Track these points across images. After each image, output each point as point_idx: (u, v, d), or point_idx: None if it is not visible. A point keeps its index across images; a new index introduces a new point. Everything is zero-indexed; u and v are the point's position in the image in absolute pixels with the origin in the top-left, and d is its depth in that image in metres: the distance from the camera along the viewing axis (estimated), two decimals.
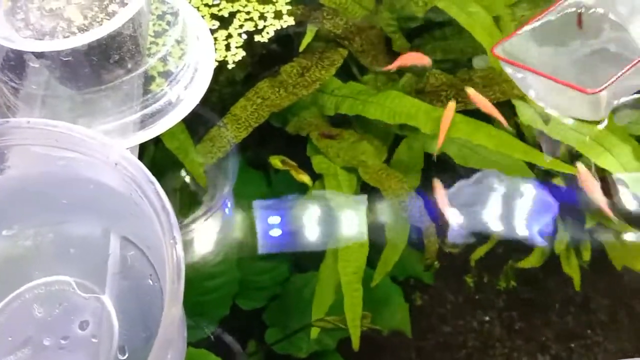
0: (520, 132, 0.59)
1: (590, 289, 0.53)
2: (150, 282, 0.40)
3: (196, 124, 0.57)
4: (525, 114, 0.59)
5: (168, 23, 0.50)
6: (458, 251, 0.56)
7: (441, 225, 0.55)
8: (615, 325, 0.52)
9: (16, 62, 0.42)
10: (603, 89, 0.52)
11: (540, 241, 0.56)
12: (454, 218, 0.56)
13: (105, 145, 0.35)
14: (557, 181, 0.57)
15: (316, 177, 0.58)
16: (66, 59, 0.41)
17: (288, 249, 0.56)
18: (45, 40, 0.43)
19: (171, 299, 0.30)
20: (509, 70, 0.58)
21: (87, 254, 0.41)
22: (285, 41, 0.65)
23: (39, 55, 0.41)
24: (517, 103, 0.59)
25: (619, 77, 0.52)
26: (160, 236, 0.33)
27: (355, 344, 0.50)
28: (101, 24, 0.44)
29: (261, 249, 0.55)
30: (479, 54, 0.64)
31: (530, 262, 0.55)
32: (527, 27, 0.59)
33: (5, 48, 0.42)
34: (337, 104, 0.61)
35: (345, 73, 0.64)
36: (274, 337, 0.52)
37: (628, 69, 0.53)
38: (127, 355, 0.39)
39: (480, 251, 0.55)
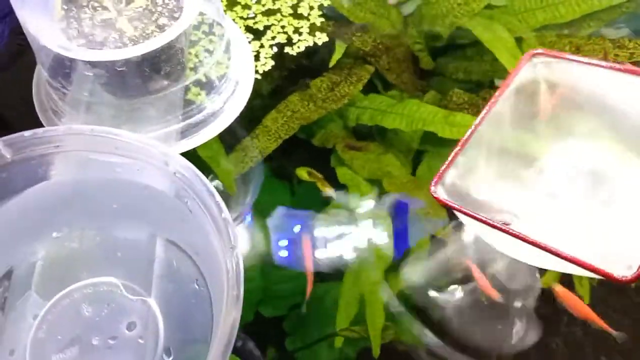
0: None
1: (600, 305, 0.55)
2: (197, 286, 0.42)
3: (228, 134, 0.59)
4: None
5: (212, 36, 0.52)
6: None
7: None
8: (628, 346, 0.54)
9: (70, 70, 0.44)
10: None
11: None
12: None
13: (165, 155, 0.37)
14: None
15: (339, 187, 0.61)
16: (120, 68, 0.43)
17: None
18: (97, 49, 0.45)
19: (231, 304, 0.32)
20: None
21: (134, 257, 0.43)
22: (314, 56, 0.67)
23: (95, 64, 0.43)
24: None
25: None
26: (216, 243, 0.35)
27: (376, 352, 0.52)
28: (151, 37, 0.46)
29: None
30: (499, 77, 0.66)
31: (546, 282, 0.57)
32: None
33: (59, 56, 0.44)
34: (358, 115, 0.64)
35: (371, 89, 0.66)
36: (293, 345, 0.54)
37: None
38: (172, 357, 0.40)
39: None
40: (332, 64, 0.65)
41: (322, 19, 0.68)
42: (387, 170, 0.61)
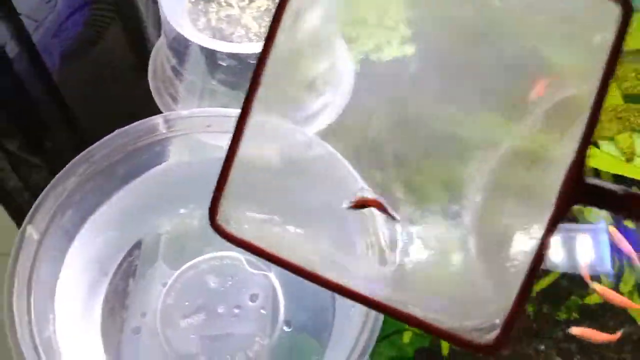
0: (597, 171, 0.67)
1: None
2: None
3: None
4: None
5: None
6: None
7: None
8: None
9: (201, 59, 0.49)
10: None
11: (606, 279, 0.62)
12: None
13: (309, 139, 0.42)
14: (629, 224, 0.64)
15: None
16: (252, 61, 0.48)
17: None
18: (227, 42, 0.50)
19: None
20: None
21: None
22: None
23: (231, 56, 0.48)
24: (603, 143, 0.67)
25: None
26: None
27: (445, 349, 0.57)
28: None
29: None
30: None
31: (594, 299, 0.62)
32: None
33: (191, 44, 0.48)
34: None
35: None
36: None
37: None
38: (291, 328, 0.45)
39: (543, 282, 0.62)
40: None
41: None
42: None
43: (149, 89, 0.74)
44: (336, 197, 0.36)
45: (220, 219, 0.27)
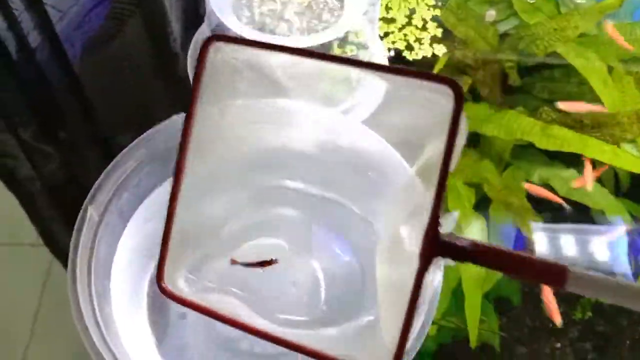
0: (616, 174, 0.69)
1: None
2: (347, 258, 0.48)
3: None
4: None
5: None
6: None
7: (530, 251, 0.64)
8: None
9: None
10: None
11: (622, 275, 0.64)
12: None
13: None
14: None
15: None
16: None
17: None
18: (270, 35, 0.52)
19: None
20: None
21: (295, 225, 0.49)
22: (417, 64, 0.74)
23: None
24: (625, 146, 0.69)
25: None
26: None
27: (473, 342, 0.59)
28: (318, 30, 0.52)
29: None
30: (585, 100, 0.73)
31: None
32: None
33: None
34: None
35: None
36: None
37: None
38: (331, 312, 0.46)
39: None
40: (435, 72, 0.72)
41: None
42: (485, 176, 0.68)
43: (169, 83, 0.76)
44: None
45: (167, 281, 0.31)
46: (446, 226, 0.26)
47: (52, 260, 0.79)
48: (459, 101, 0.25)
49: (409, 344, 0.34)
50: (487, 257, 0.26)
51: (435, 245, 0.25)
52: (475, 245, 0.26)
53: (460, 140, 0.26)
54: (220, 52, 0.29)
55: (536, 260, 0.25)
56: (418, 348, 0.35)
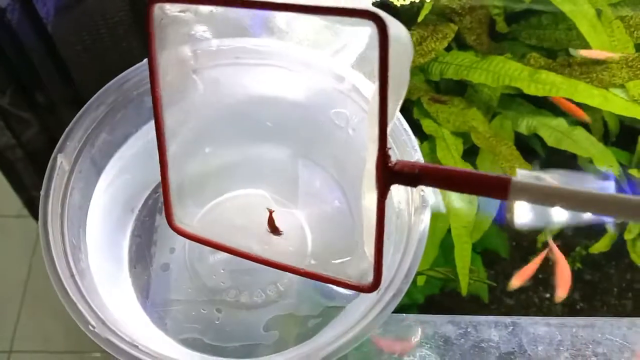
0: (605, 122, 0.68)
1: None
2: (338, 203, 0.47)
3: None
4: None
5: None
6: (529, 231, 0.64)
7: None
8: None
9: None
10: None
11: (612, 226, 0.64)
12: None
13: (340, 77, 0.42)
14: (635, 173, 0.65)
15: (423, 138, 0.66)
16: None
17: None
18: None
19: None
20: None
21: (279, 173, 0.48)
22: (402, 11, 0.72)
23: None
24: (614, 91, 0.68)
25: None
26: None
27: (464, 290, 0.58)
28: None
29: None
30: (573, 46, 0.72)
31: (598, 247, 0.64)
32: None
33: None
34: (442, 70, 0.69)
35: (447, 48, 0.71)
36: None
37: None
38: (318, 261, 0.45)
39: (550, 233, 0.63)
40: (420, 19, 0.70)
41: None
42: (472, 125, 0.66)
43: (145, 40, 0.73)
44: None
45: (176, 220, 0.37)
46: None
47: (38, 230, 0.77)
48: (383, 35, 0.25)
49: (396, 285, 0.34)
50: (437, 178, 0.28)
51: (386, 174, 0.27)
52: (424, 168, 0.28)
53: (402, 68, 0.27)
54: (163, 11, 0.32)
55: (481, 175, 0.27)
56: (405, 290, 0.34)
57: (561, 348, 0.42)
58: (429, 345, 0.42)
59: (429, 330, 0.43)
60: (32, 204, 0.88)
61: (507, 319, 0.44)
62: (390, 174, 0.27)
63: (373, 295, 0.34)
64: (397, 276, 0.34)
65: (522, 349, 0.42)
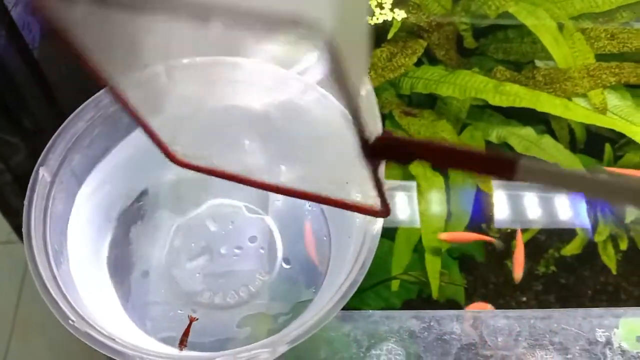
0: (572, 130, 0.72)
1: (624, 279, 0.65)
2: (309, 206, 0.50)
3: None
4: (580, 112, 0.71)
5: None
6: (503, 236, 0.67)
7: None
8: None
9: None
10: None
11: (582, 229, 0.67)
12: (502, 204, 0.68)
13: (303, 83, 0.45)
14: None
15: None
16: None
17: None
18: None
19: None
20: None
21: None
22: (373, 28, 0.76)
23: None
24: (577, 100, 0.72)
25: None
26: None
27: (435, 292, 0.61)
28: None
29: None
30: (538, 58, 0.76)
31: (570, 250, 0.67)
32: None
33: None
34: (412, 84, 0.73)
35: (418, 63, 0.76)
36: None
37: None
38: (290, 265, 0.48)
39: (523, 238, 0.67)
40: (390, 36, 0.75)
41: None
42: (442, 136, 0.70)
43: None
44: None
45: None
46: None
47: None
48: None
49: (353, 276, 0.37)
50: (434, 154, 0.25)
51: (371, 151, 0.26)
52: (410, 142, 0.26)
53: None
54: None
55: (488, 154, 0.25)
56: (361, 280, 0.37)
57: (520, 338, 0.45)
58: (394, 339, 0.45)
59: (394, 325, 0.46)
60: (21, 230, 0.90)
61: (468, 313, 0.47)
62: (374, 151, 0.25)
63: (334, 287, 0.37)
64: (354, 268, 0.37)
65: (482, 340, 0.45)
